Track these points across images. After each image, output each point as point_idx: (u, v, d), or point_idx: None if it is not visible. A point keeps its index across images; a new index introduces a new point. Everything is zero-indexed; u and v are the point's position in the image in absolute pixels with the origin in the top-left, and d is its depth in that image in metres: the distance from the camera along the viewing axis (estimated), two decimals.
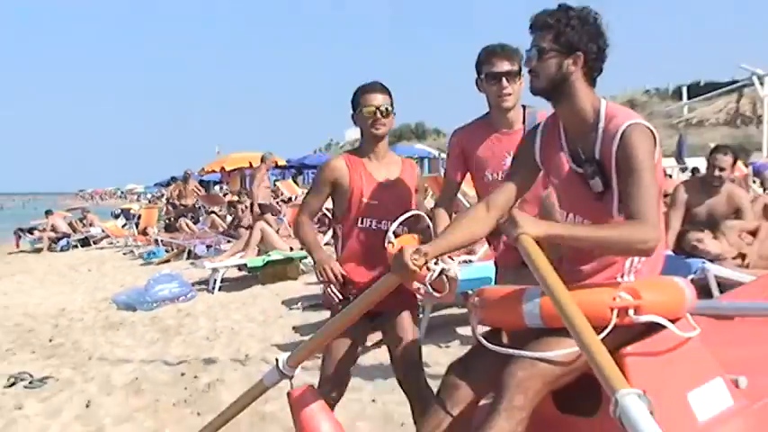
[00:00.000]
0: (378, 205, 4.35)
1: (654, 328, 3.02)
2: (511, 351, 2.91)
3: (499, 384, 2.88)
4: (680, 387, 3.09)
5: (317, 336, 3.69)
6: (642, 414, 2.23)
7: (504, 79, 4.27)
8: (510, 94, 4.31)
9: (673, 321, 3.00)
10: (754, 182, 13.98)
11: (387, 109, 4.36)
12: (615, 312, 2.91)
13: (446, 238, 3.21)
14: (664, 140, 5.00)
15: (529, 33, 3.18)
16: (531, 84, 3.19)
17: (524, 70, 3.43)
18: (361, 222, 4.38)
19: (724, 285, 6.39)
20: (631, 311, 2.93)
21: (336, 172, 4.42)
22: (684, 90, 36.73)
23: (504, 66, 4.27)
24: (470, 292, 3.44)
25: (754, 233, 7.21)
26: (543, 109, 3.94)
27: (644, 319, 2.96)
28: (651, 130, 3.02)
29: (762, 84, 19.50)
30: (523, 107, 4.46)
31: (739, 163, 10.11)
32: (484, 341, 3.03)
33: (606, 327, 2.85)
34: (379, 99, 4.36)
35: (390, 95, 4.42)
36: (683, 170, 16.01)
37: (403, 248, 3.14)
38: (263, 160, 17.91)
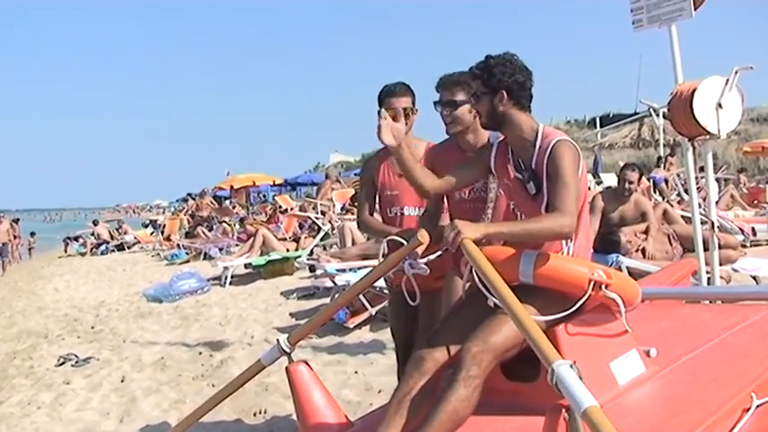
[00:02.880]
0: (398, 195, 4.20)
1: (581, 310, 2.99)
2: (495, 300, 2.86)
3: (458, 358, 2.84)
4: (603, 357, 3.06)
5: (313, 318, 3.63)
6: (574, 380, 2.18)
7: (443, 109, 3.78)
8: (450, 123, 3.75)
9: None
10: (654, 192, 14.08)
11: (407, 109, 4.07)
12: (591, 284, 2.92)
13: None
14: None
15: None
16: (480, 121, 3.28)
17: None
18: (390, 212, 4.25)
19: (634, 274, 6.38)
20: (604, 287, 2.94)
21: (369, 171, 4.28)
22: (598, 120, 36.91)
23: (444, 95, 3.78)
24: None
25: (645, 232, 7.27)
26: None
27: (611, 296, 2.97)
28: (575, 147, 3.09)
29: (657, 115, 19.62)
30: None
31: (643, 178, 10.16)
32: (481, 286, 2.96)
33: (579, 294, 2.91)
34: (401, 102, 4.06)
35: (413, 94, 4.14)
36: (599, 183, 16.12)
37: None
38: (327, 177, 19.00)
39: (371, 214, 4.33)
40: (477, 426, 2.86)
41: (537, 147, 3.10)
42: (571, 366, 2.23)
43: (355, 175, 33.75)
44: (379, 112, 3.33)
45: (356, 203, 16.65)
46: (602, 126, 35.87)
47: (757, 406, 2.91)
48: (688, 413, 2.80)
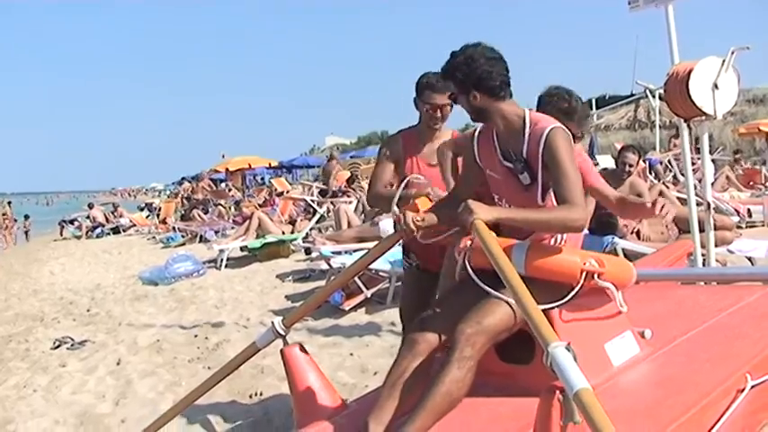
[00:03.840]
0: (422, 182, 4.03)
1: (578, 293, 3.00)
2: (488, 289, 2.88)
3: (451, 339, 2.84)
4: (598, 339, 3.07)
5: (308, 300, 3.64)
6: (569, 362, 2.18)
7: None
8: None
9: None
10: (649, 173, 14.09)
11: (446, 106, 4.00)
12: (584, 274, 2.94)
13: (436, 213, 3.25)
14: None
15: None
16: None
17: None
18: None
19: (629, 256, 6.38)
20: (596, 276, 2.96)
21: (392, 152, 4.16)
22: (594, 101, 36.88)
23: (442, 99, 3.88)
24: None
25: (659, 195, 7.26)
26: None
27: (603, 284, 2.99)
28: (568, 133, 3.05)
29: (654, 96, 19.60)
30: None
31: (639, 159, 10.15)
32: (472, 273, 2.99)
33: (572, 284, 2.94)
34: (443, 99, 3.91)
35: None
36: (595, 165, 16.14)
37: (405, 212, 3.17)
38: (331, 158, 19.44)
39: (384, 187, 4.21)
40: (471, 407, 2.87)
41: (527, 134, 3.06)
42: (567, 348, 2.23)
43: (351, 157, 33.85)
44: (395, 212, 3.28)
45: (353, 186, 16.79)
46: (598, 107, 35.87)
47: (752, 387, 2.92)
48: (683, 394, 2.81)
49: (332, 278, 8.72)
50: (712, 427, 2.73)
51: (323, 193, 17.00)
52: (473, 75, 3.06)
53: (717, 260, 5.70)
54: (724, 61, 5.19)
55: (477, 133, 3.29)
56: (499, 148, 3.18)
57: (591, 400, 2.05)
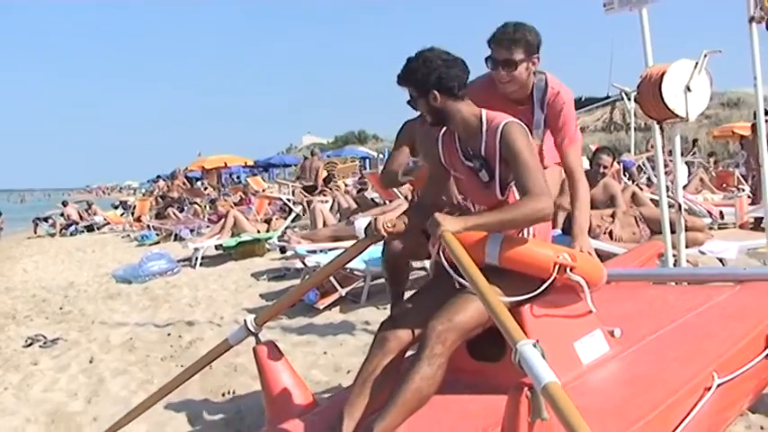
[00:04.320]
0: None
1: (546, 291, 3.04)
2: (461, 281, 2.92)
3: (422, 337, 2.87)
4: (568, 337, 3.11)
5: (281, 299, 3.65)
6: (537, 358, 2.21)
7: (499, 68, 3.65)
8: (506, 82, 3.68)
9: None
10: (624, 175, 14.20)
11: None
12: (556, 267, 2.98)
13: (404, 218, 3.29)
14: None
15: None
16: (426, 119, 3.26)
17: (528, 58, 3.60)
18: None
19: (602, 256, 6.44)
20: (569, 270, 3.01)
21: (408, 136, 4.40)
22: None
23: (501, 54, 3.61)
24: None
25: (612, 216, 7.32)
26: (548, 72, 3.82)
27: (575, 278, 3.03)
28: (524, 127, 3.13)
29: (629, 99, 19.76)
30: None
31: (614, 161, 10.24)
32: (447, 265, 3.01)
33: (545, 277, 3.00)
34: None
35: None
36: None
37: (377, 217, 3.22)
38: (313, 154, 19.50)
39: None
40: (441, 404, 2.90)
41: (484, 132, 3.12)
42: (534, 345, 2.26)
43: (328, 156, 33.84)
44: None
45: (329, 186, 16.82)
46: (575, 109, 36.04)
47: (718, 385, 2.97)
48: (650, 392, 2.85)
49: (306, 277, 8.73)
50: (679, 425, 2.78)
51: (309, 189, 17.02)
52: (432, 75, 3.11)
53: (688, 261, 5.77)
54: (697, 64, 5.25)
55: (441, 135, 3.33)
56: (460, 149, 3.24)
57: (559, 394, 2.08)
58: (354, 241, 4.04)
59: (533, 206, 2.92)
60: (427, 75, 3.10)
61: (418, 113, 3.38)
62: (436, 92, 3.11)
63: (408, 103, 3.44)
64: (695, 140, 24.74)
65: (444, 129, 3.32)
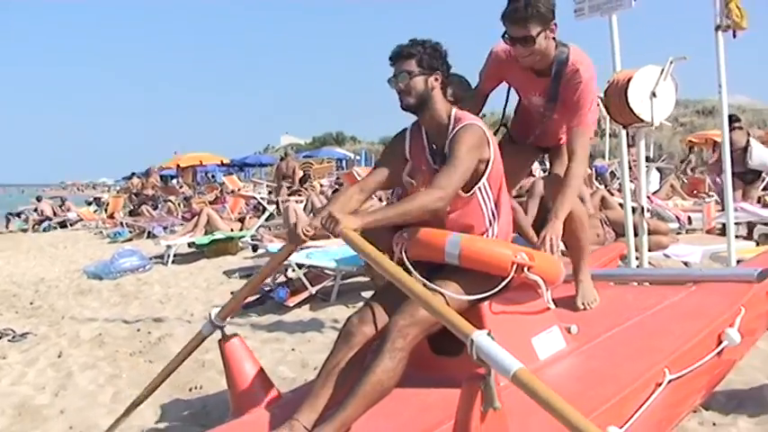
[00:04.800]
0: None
1: (505, 288, 3.13)
2: (422, 280, 3.00)
3: (384, 331, 2.95)
4: (526, 333, 3.19)
5: (237, 294, 3.70)
6: (496, 348, 2.28)
7: (517, 45, 3.62)
8: (526, 56, 3.64)
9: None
10: (596, 180, 14.35)
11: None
12: (514, 267, 3.08)
13: (333, 205, 3.29)
14: None
15: (391, 63, 3.28)
16: (402, 101, 3.28)
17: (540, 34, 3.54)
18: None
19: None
20: (526, 269, 3.10)
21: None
22: None
23: (517, 32, 3.57)
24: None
25: None
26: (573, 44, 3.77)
27: (533, 278, 3.12)
28: (481, 130, 3.19)
29: (604, 105, 19.95)
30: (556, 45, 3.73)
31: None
32: (408, 264, 3.12)
33: (503, 276, 3.08)
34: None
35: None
36: (545, 171, 16.41)
37: (297, 223, 3.22)
38: (287, 155, 20.15)
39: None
40: (402, 396, 2.98)
41: (450, 131, 3.21)
42: (488, 335, 2.33)
43: (304, 157, 33.83)
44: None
45: (304, 186, 16.87)
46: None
47: (669, 381, 3.07)
48: (604, 386, 2.94)
49: (277, 274, 8.78)
50: (630, 418, 2.87)
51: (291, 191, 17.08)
52: (444, 62, 3.27)
53: (651, 263, 5.89)
54: (663, 70, 5.36)
55: (409, 130, 3.41)
56: (428, 145, 3.32)
57: (529, 377, 2.18)
58: (330, 245, 4.10)
59: (427, 197, 3.03)
60: (438, 59, 3.24)
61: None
62: (440, 76, 3.24)
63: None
64: (691, 148, 24.81)
65: (412, 124, 3.40)
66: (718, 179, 11.08)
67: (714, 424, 3.77)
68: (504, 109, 4.19)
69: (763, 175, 12.80)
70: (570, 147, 3.77)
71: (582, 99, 3.71)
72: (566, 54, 3.70)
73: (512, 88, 4.08)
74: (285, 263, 8.30)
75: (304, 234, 3.15)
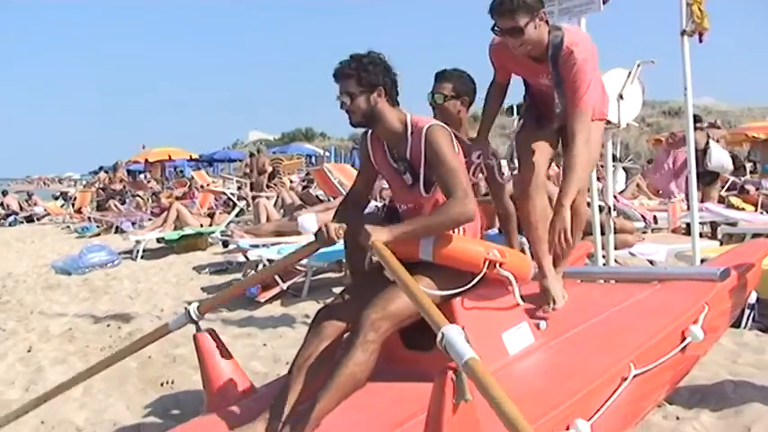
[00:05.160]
0: None
1: (477, 285, 3.20)
2: (393, 278, 3.02)
3: (356, 324, 3.00)
4: (496, 328, 3.27)
5: (225, 291, 3.74)
6: (460, 339, 2.35)
7: (506, 36, 3.66)
8: (518, 47, 3.68)
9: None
10: None
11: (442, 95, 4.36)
12: (487, 263, 3.16)
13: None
14: (499, 147, 5.24)
15: (335, 82, 3.32)
16: (350, 119, 3.33)
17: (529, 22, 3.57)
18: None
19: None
20: (498, 265, 3.18)
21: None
22: (514, 107, 37.52)
23: (505, 23, 3.61)
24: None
25: None
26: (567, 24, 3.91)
27: (504, 273, 3.20)
28: (447, 130, 3.27)
29: None
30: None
31: (553, 164, 10.49)
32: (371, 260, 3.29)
33: (476, 272, 3.16)
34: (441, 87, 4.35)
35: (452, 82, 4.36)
36: (513, 170, 16.50)
37: (327, 224, 3.27)
38: (259, 152, 20.17)
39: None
40: (374, 390, 3.03)
41: (409, 136, 3.26)
42: (459, 330, 2.41)
43: (273, 153, 33.73)
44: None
45: (274, 182, 16.86)
46: (518, 113, 36.40)
47: (635, 375, 3.16)
48: (571, 380, 3.02)
49: (249, 270, 8.81)
50: (597, 411, 2.95)
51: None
52: (385, 75, 3.27)
53: (617, 262, 6.00)
54: (630, 73, 5.47)
55: (369, 134, 3.48)
56: (388, 151, 3.40)
57: (480, 368, 2.24)
58: (301, 240, 4.15)
59: (455, 210, 3.08)
60: (379, 74, 3.25)
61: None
62: (382, 90, 3.25)
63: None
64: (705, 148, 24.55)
65: (372, 138, 3.47)
66: (673, 184, 11.20)
67: (678, 418, 3.87)
68: (525, 97, 4.25)
69: (729, 177, 13.02)
70: (570, 130, 3.73)
71: (578, 79, 3.68)
72: (560, 38, 3.71)
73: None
74: (256, 258, 8.35)
75: (336, 235, 3.25)
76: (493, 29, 3.70)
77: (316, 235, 3.34)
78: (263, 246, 8.93)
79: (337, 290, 7.70)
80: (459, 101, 4.37)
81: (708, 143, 10.80)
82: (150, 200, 20.78)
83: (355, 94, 3.25)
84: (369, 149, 3.49)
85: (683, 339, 3.52)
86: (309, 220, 9.74)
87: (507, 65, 4.01)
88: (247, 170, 20.53)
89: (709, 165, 10.62)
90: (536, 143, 4.03)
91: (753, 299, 5.01)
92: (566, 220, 3.53)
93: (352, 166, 17.11)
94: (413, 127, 3.27)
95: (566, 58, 3.69)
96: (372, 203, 8.55)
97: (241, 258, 9.15)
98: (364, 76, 3.23)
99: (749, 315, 5.50)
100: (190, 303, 3.65)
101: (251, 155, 20.81)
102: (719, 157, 10.90)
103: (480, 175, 4.17)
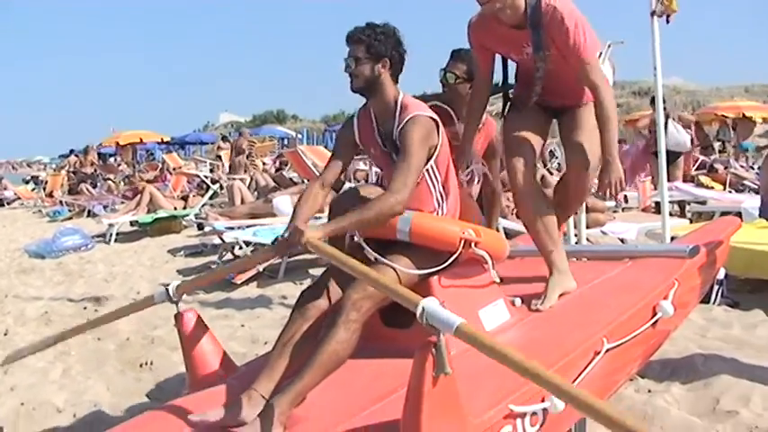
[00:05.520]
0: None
1: (454, 263, 3.28)
2: (374, 255, 3.16)
3: (338, 304, 3.06)
4: (473, 305, 3.33)
5: (204, 275, 3.77)
6: (442, 310, 2.43)
7: None
8: (496, 9, 3.54)
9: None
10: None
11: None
12: (462, 242, 3.21)
13: (300, 216, 3.33)
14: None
15: (346, 45, 3.35)
16: (351, 83, 3.36)
17: None
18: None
19: (510, 234, 6.74)
20: (473, 245, 3.23)
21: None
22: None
23: None
24: None
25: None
26: None
27: (479, 252, 3.26)
28: (429, 120, 3.27)
29: None
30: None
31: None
32: (361, 241, 3.25)
33: (453, 252, 3.22)
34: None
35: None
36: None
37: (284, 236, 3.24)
38: (241, 134, 19.90)
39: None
40: (356, 366, 3.09)
41: (397, 118, 3.30)
42: (436, 302, 2.49)
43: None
44: None
45: (247, 163, 16.83)
46: (491, 94, 36.49)
47: (607, 349, 3.25)
48: (546, 354, 3.09)
49: (224, 252, 8.83)
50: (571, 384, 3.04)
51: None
52: (396, 47, 3.32)
53: (589, 240, 6.11)
54: (600, 54, 5.54)
55: (357, 116, 3.52)
56: (377, 128, 3.43)
57: (473, 330, 2.36)
58: (275, 223, 4.17)
59: (386, 203, 3.11)
60: (390, 44, 3.30)
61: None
62: (388, 62, 3.30)
63: (346, 60, 3.42)
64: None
65: (362, 109, 3.51)
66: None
67: (649, 391, 3.99)
68: (505, 80, 4.13)
69: (698, 156, 13.19)
70: (588, 84, 3.64)
71: (573, 33, 3.53)
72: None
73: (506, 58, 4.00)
74: (232, 240, 8.38)
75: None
76: None
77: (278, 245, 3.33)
78: (239, 228, 8.96)
79: (313, 271, 7.79)
80: (470, 84, 4.17)
81: (667, 123, 10.98)
82: (122, 183, 20.67)
83: (362, 60, 3.29)
84: (355, 128, 3.51)
85: (654, 314, 3.60)
86: (284, 202, 9.80)
87: (488, 42, 3.87)
88: (220, 152, 20.49)
89: (666, 143, 10.78)
90: (525, 134, 3.90)
91: (722, 275, 5.12)
92: (619, 171, 3.59)
93: (325, 147, 17.15)
94: (402, 108, 3.31)
95: (550, 15, 3.55)
96: (347, 185, 8.62)
97: (216, 241, 9.18)
98: (375, 44, 3.27)
99: (718, 291, 5.64)
100: (168, 285, 3.68)
101: (223, 137, 20.75)
102: (675, 136, 11.10)
103: (475, 182, 4.15)
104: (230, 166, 17.39)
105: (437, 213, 3.37)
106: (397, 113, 3.31)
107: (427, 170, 3.32)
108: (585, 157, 3.78)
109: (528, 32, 3.64)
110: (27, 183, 29.56)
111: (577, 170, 3.87)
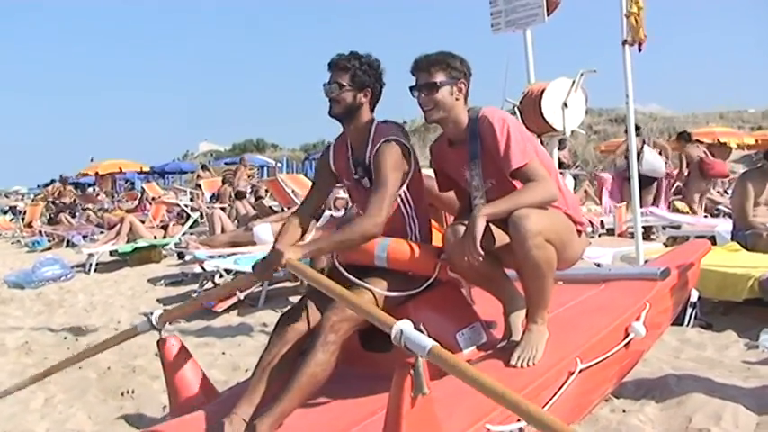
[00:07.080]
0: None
1: (432, 286, 3.36)
2: (353, 279, 3.27)
3: (317, 327, 3.14)
4: (450, 328, 3.42)
5: (188, 303, 3.83)
6: (416, 333, 2.55)
7: (419, 94, 3.41)
8: (430, 109, 3.41)
9: None
10: None
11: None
12: (438, 267, 3.35)
13: (282, 241, 3.49)
14: None
15: (328, 70, 3.46)
16: (331, 108, 3.46)
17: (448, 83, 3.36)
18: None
19: None
20: (449, 269, 3.37)
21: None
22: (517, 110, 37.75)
23: (421, 78, 3.40)
24: None
25: None
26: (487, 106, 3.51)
27: (454, 276, 3.42)
28: (401, 146, 3.36)
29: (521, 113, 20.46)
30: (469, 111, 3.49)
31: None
32: (339, 266, 3.36)
33: (429, 276, 3.35)
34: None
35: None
36: None
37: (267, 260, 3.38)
38: (241, 161, 20.70)
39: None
40: (335, 390, 3.17)
41: (370, 142, 3.40)
42: (412, 325, 2.59)
43: (225, 164, 33.63)
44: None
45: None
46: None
47: (581, 370, 3.33)
48: (521, 374, 3.18)
49: (205, 281, 8.86)
50: (546, 404, 3.12)
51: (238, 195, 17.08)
52: (378, 83, 3.47)
53: None
54: (573, 82, 5.69)
55: (333, 144, 3.62)
56: (352, 156, 3.53)
57: (444, 353, 2.45)
58: (255, 252, 4.22)
59: (363, 227, 3.24)
60: (373, 76, 3.44)
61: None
62: (370, 92, 3.43)
63: (412, 90, 3.40)
64: (639, 153, 24.45)
65: (338, 138, 3.61)
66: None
67: (624, 411, 4.04)
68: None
69: (676, 182, 13.38)
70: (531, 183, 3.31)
71: (507, 141, 3.31)
72: (477, 112, 3.46)
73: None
74: (213, 268, 8.42)
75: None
76: (411, 90, 3.46)
77: (253, 267, 3.51)
78: (220, 256, 9.00)
79: (293, 298, 7.81)
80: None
81: (642, 148, 11.18)
82: (96, 214, 20.64)
83: (345, 87, 3.40)
84: (330, 158, 3.62)
85: (627, 335, 3.68)
86: (264, 231, 9.84)
87: (443, 164, 3.73)
88: (199, 181, 20.47)
89: (641, 169, 10.93)
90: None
91: (694, 297, 5.22)
92: (475, 229, 3.14)
93: (305, 175, 17.23)
94: (375, 134, 3.41)
95: (484, 126, 3.39)
96: (327, 212, 8.69)
97: (197, 269, 9.20)
98: (359, 74, 3.40)
99: (691, 313, 5.74)
100: (150, 313, 3.74)
101: (203, 166, 20.75)
102: (650, 161, 11.30)
103: None
104: (236, 194, 17.42)
105: (410, 238, 3.45)
106: (371, 139, 3.41)
107: (400, 196, 3.41)
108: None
109: (466, 146, 3.49)
110: (5, 213, 29.38)
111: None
